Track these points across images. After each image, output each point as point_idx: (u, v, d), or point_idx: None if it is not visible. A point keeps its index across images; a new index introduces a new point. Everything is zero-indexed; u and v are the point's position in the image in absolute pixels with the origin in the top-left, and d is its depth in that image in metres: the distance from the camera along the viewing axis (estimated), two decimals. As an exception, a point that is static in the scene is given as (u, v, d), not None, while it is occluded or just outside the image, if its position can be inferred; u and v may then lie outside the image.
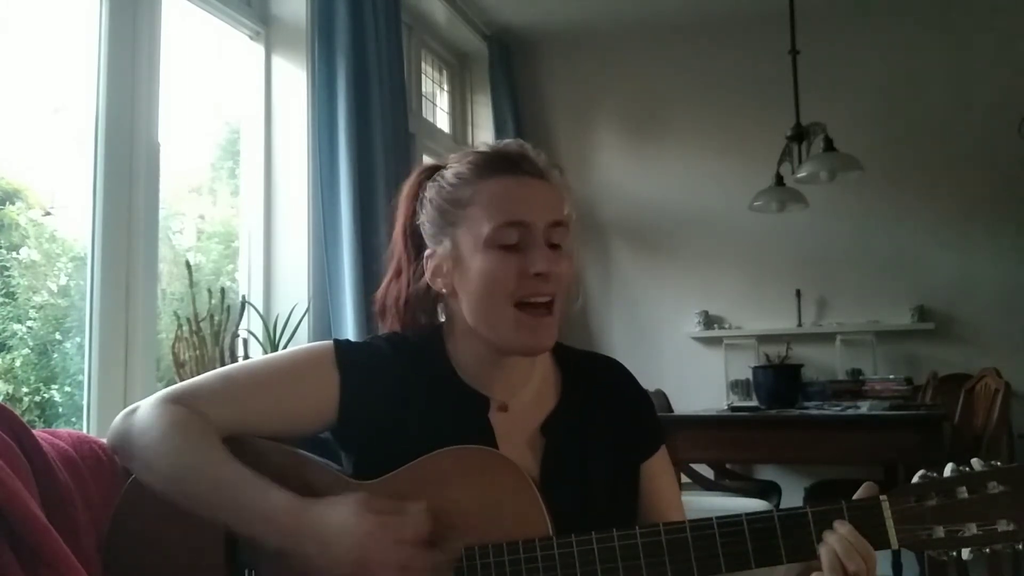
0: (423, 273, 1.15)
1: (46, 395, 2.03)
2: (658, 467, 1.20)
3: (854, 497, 0.99)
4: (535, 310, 1.07)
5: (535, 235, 1.07)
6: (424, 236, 1.15)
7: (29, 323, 2.03)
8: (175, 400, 1.06)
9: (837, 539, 0.95)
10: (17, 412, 1.04)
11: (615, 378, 1.24)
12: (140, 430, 1.04)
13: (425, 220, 1.15)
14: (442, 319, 1.20)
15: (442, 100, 4.22)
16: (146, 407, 1.06)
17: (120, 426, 1.07)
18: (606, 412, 1.18)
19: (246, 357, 2.10)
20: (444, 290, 1.13)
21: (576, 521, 1.01)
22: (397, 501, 0.98)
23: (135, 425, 1.05)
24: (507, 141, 1.16)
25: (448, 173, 1.14)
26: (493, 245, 1.06)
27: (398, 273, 1.20)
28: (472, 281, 1.08)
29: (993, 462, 0.97)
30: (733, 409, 3.37)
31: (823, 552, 0.95)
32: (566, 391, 1.19)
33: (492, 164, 1.11)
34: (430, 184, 1.16)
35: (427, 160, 3.65)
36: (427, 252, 1.14)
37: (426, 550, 0.96)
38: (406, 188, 1.21)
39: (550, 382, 1.19)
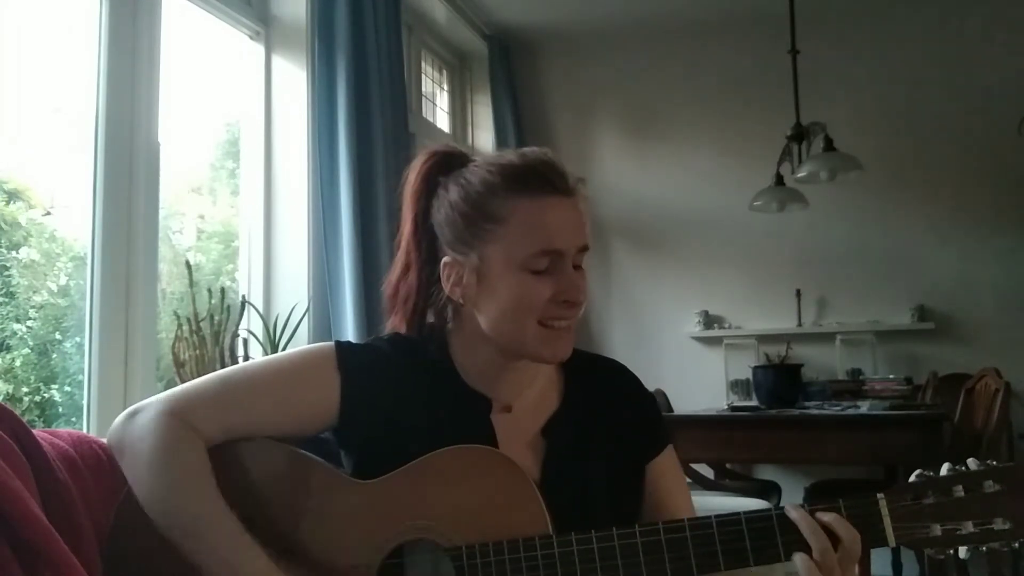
0: (437, 278, 1.12)
1: (46, 395, 2.04)
2: (665, 466, 1.20)
3: None
4: (558, 328, 1.08)
5: (566, 261, 1.07)
6: (440, 238, 1.12)
7: (29, 323, 2.03)
8: (175, 412, 1.04)
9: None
10: (17, 412, 1.04)
11: (619, 382, 1.23)
12: (133, 442, 1.04)
13: (444, 223, 1.11)
14: (450, 320, 1.18)
15: (442, 100, 4.22)
16: (146, 418, 1.05)
17: (119, 431, 1.06)
18: (609, 416, 1.18)
19: (246, 357, 2.10)
20: (461, 300, 1.11)
21: (576, 524, 1.01)
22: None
23: (132, 434, 1.04)
24: (535, 151, 1.11)
25: (474, 178, 1.09)
26: (525, 269, 1.06)
27: (407, 268, 1.17)
28: (498, 299, 1.07)
29: (989, 461, 0.97)
30: (733, 409, 3.37)
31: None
32: (569, 394, 1.19)
33: (526, 179, 1.07)
34: (451, 184, 1.11)
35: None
36: (445, 259, 1.10)
37: None
38: (416, 177, 1.16)
39: (553, 385, 1.19)
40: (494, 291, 1.07)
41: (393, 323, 1.19)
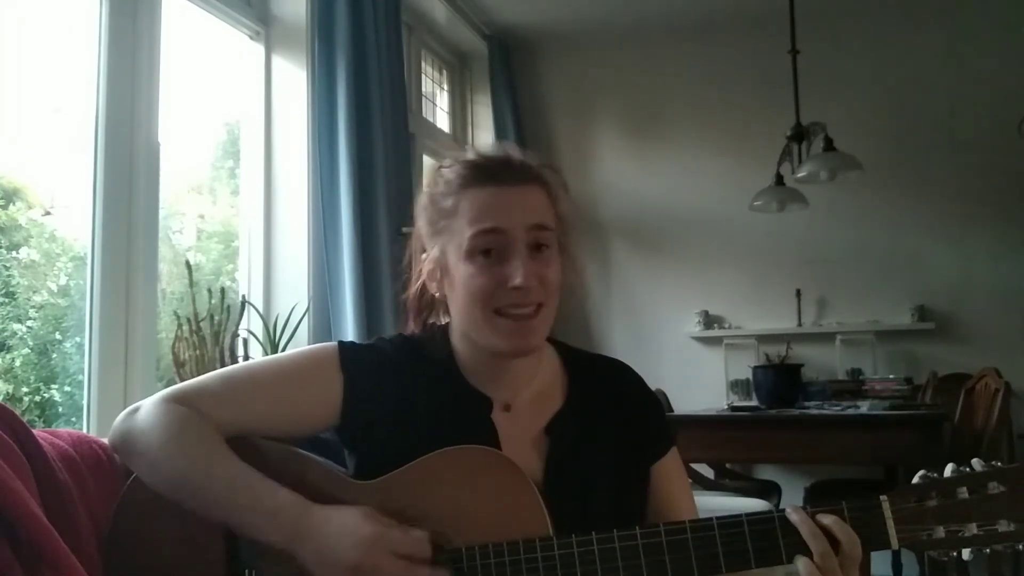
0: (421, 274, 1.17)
1: (46, 395, 2.03)
2: (670, 468, 1.20)
3: None
4: (517, 317, 1.07)
5: (513, 243, 1.06)
6: (422, 238, 1.17)
7: (29, 323, 2.03)
8: (177, 400, 1.06)
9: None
10: (17, 412, 1.04)
11: (622, 381, 1.23)
12: (142, 429, 1.05)
13: (422, 223, 1.16)
14: (449, 319, 1.20)
15: (442, 100, 4.22)
16: (148, 407, 1.06)
17: (122, 426, 1.07)
18: (612, 415, 1.18)
19: (246, 357, 2.10)
20: (437, 294, 1.15)
21: (578, 524, 1.01)
22: (403, 522, 0.98)
23: (137, 425, 1.05)
24: (494, 146, 1.16)
25: (440, 180, 1.14)
26: (474, 255, 1.07)
27: (420, 274, 1.21)
28: (457, 289, 1.10)
29: (993, 462, 0.97)
30: (733, 409, 3.36)
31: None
32: (572, 393, 1.19)
33: (475, 174, 1.10)
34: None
35: (427, 160, 3.66)
36: (423, 255, 1.16)
37: (424, 569, 0.95)
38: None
39: (556, 384, 1.19)
40: (453, 283, 1.11)
41: (410, 328, 1.22)
